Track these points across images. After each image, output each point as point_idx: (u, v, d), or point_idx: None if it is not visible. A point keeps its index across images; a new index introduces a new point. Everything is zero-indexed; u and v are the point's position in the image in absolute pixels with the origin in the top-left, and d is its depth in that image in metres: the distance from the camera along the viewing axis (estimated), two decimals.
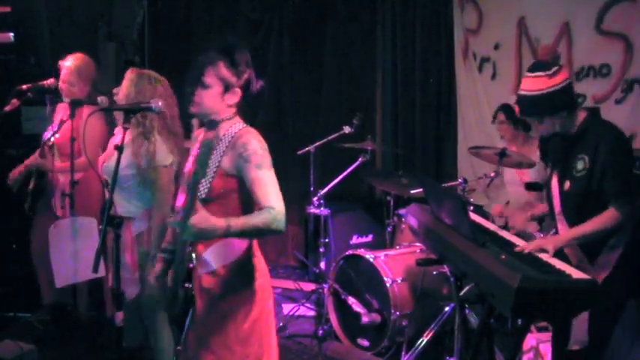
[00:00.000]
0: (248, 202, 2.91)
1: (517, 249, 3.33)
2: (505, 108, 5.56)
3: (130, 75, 3.94)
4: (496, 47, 6.22)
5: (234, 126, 3.00)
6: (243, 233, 2.78)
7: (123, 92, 3.90)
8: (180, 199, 3.23)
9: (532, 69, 3.48)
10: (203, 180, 2.94)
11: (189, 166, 3.14)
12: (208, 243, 2.97)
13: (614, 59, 5.39)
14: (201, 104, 2.98)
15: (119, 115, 3.97)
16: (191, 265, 2.98)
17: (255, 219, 2.75)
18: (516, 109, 3.63)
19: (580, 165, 3.43)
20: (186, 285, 2.96)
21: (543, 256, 3.24)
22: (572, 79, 3.57)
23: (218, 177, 2.91)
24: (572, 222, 3.51)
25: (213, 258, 3.01)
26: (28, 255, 5.23)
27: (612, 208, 3.31)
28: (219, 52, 2.98)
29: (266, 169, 2.86)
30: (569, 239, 3.40)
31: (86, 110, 4.65)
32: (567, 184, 3.51)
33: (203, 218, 2.61)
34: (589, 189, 3.38)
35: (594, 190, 3.36)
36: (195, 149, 3.15)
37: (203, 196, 2.91)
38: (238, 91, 2.99)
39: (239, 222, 2.73)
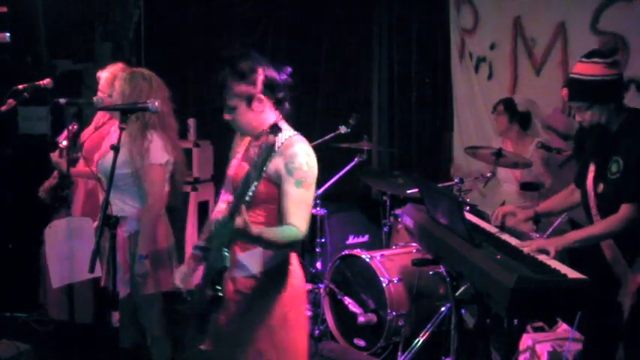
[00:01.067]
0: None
1: (519, 246, 3.32)
2: (507, 101, 5.64)
3: (121, 74, 3.93)
4: (492, 47, 6.22)
5: (283, 132, 2.94)
6: (269, 245, 2.83)
7: (117, 92, 3.89)
8: (223, 199, 3.27)
9: (589, 55, 3.45)
10: (238, 192, 2.92)
11: (233, 169, 3.16)
12: (246, 247, 2.98)
13: None
14: (240, 126, 3.02)
15: (116, 115, 3.97)
16: (226, 267, 2.90)
17: (282, 234, 2.81)
18: (564, 92, 3.57)
19: (614, 167, 3.38)
20: (216, 286, 2.89)
21: (542, 258, 3.23)
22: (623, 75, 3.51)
23: (263, 182, 2.85)
24: None
25: (251, 262, 3.00)
26: (28, 255, 5.23)
27: (625, 206, 3.28)
28: (224, 73, 2.94)
29: (304, 189, 2.86)
30: (574, 241, 3.37)
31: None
32: (601, 186, 3.47)
33: (244, 222, 2.60)
34: (620, 192, 3.33)
35: (627, 191, 3.31)
36: (241, 153, 3.16)
37: (248, 199, 2.89)
38: (262, 97, 2.94)
39: (270, 233, 2.77)
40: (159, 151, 3.85)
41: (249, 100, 2.93)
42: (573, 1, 5.58)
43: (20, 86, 4.78)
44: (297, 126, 3.04)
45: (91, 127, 4.92)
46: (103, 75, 4.74)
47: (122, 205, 3.92)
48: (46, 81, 4.85)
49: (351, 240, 6.62)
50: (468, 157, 6.00)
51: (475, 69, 6.36)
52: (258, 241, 2.75)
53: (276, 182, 2.89)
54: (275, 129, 2.85)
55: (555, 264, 3.17)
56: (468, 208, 4.95)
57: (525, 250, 3.29)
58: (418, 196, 4.93)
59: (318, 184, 5.84)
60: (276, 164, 2.87)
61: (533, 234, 4.77)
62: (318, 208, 5.79)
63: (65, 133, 4.69)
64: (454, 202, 3.64)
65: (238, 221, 2.59)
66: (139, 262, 3.83)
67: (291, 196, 2.84)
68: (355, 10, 7.30)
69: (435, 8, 6.82)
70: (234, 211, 2.61)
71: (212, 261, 2.99)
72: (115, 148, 3.24)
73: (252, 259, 3.00)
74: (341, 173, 5.81)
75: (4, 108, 4.79)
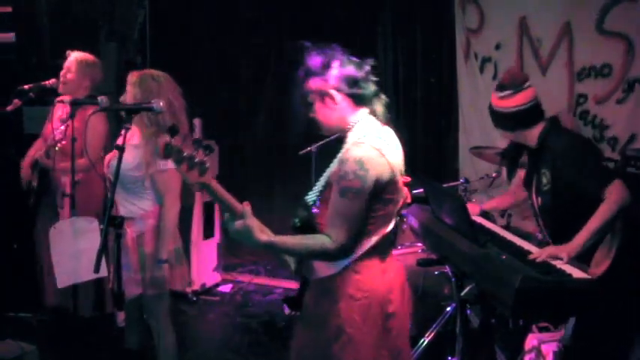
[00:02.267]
0: None
1: (530, 257, 3.30)
2: None
3: (132, 79, 3.94)
4: (497, 47, 6.21)
5: (355, 135, 2.82)
6: (290, 252, 2.79)
7: (129, 95, 3.90)
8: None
9: (500, 88, 3.72)
10: (316, 185, 2.91)
11: None
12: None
13: (615, 59, 5.38)
14: (319, 123, 2.92)
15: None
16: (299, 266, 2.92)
17: (307, 243, 2.71)
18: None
19: (544, 179, 3.59)
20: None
21: (557, 263, 3.22)
22: (538, 97, 3.71)
23: (328, 186, 2.83)
24: (553, 236, 3.65)
25: (317, 266, 2.88)
26: (28, 255, 5.23)
27: (605, 198, 3.33)
28: (299, 72, 2.89)
29: (348, 199, 2.66)
30: (583, 243, 3.33)
31: (88, 110, 4.65)
32: (539, 200, 3.66)
33: (242, 226, 2.56)
34: (555, 204, 3.51)
35: (561, 205, 3.49)
36: None
37: (311, 201, 2.88)
38: (334, 93, 2.81)
39: (287, 241, 2.68)
40: None
41: (322, 96, 2.83)
42: (579, 1, 5.57)
43: (25, 86, 4.79)
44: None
45: (54, 120, 4.88)
46: (71, 56, 4.80)
47: (130, 207, 3.93)
48: (52, 81, 4.87)
49: None
50: (473, 157, 6.00)
51: (480, 69, 6.36)
52: (270, 248, 2.64)
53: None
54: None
55: (560, 264, 3.16)
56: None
57: (539, 258, 3.27)
58: (423, 196, 4.92)
59: None
60: (336, 169, 2.80)
61: (538, 234, 4.76)
62: None
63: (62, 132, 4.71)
64: (459, 202, 3.64)
65: (237, 224, 2.57)
66: (157, 265, 3.84)
67: (333, 203, 2.71)
68: (359, 10, 7.29)
69: (439, 8, 6.81)
70: (231, 213, 2.58)
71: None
72: (120, 149, 3.24)
73: (316, 262, 2.87)
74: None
75: (9, 108, 4.81)
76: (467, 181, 5.48)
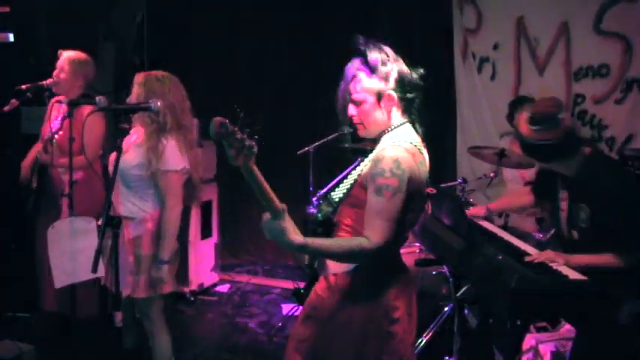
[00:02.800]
0: None
1: (527, 259, 3.30)
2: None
3: (137, 79, 3.96)
4: (495, 47, 6.22)
5: (393, 137, 2.78)
6: (323, 255, 2.73)
7: (134, 96, 3.92)
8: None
9: (532, 122, 3.40)
10: (343, 183, 2.89)
11: None
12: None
13: (613, 59, 5.39)
14: (362, 123, 2.84)
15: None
16: (314, 265, 2.88)
17: (340, 246, 2.62)
18: (514, 146, 3.58)
19: (583, 215, 3.35)
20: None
21: (553, 264, 3.22)
22: (575, 126, 3.42)
23: (356, 186, 2.79)
24: None
25: (330, 263, 2.84)
26: (28, 255, 5.23)
27: (613, 254, 3.23)
28: (357, 64, 2.82)
29: (384, 197, 2.60)
30: (582, 264, 3.27)
31: (85, 109, 4.65)
32: (575, 234, 3.44)
33: (279, 226, 2.50)
34: (596, 241, 3.30)
35: (598, 243, 3.28)
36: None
37: (337, 199, 2.84)
38: (392, 94, 2.78)
39: (322, 244, 2.60)
40: (175, 158, 3.86)
41: (380, 96, 2.77)
42: (576, 1, 5.57)
43: (23, 86, 4.79)
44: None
45: (51, 119, 4.88)
46: (62, 55, 4.81)
47: (131, 207, 3.94)
48: (49, 81, 4.86)
49: None
50: (471, 157, 6.00)
51: (478, 69, 6.36)
52: (302, 249, 2.57)
53: (366, 188, 2.70)
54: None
55: (556, 265, 3.17)
56: (471, 208, 4.94)
57: (536, 261, 3.26)
58: None
59: (321, 184, 5.85)
60: (369, 169, 2.73)
61: (536, 234, 4.77)
62: None
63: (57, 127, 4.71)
64: (456, 202, 3.64)
65: (273, 225, 2.50)
66: (157, 266, 3.85)
67: (369, 203, 2.63)
68: (357, 10, 7.29)
69: (437, 8, 6.81)
70: (272, 213, 2.50)
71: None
72: (119, 149, 3.24)
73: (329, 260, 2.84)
74: (344, 173, 5.80)
75: (7, 108, 4.80)
76: (465, 180, 5.48)
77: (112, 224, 3.45)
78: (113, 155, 4.09)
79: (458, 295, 3.95)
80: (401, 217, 2.65)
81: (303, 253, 2.73)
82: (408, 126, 2.86)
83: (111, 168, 4.05)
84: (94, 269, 3.08)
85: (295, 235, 2.51)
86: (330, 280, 2.85)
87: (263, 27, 7.58)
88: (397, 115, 2.83)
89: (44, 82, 4.85)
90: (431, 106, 7.24)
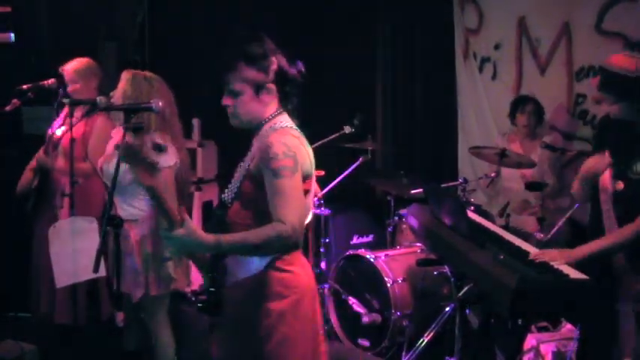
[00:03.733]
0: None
1: (529, 258, 3.29)
2: (537, 102, 5.58)
3: (125, 75, 3.96)
4: (496, 47, 6.21)
5: (273, 126, 2.76)
6: (240, 250, 2.62)
7: (119, 92, 3.91)
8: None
9: (634, 51, 3.39)
10: (232, 183, 2.79)
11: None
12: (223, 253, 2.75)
13: None
14: (237, 114, 2.79)
15: (118, 116, 3.97)
16: (214, 274, 2.78)
17: (256, 234, 2.54)
18: (594, 81, 3.49)
19: (638, 167, 3.31)
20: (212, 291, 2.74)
21: (555, 263, 3.21)
22: None
23: (247, 179, 2.73)
24: (622, 224, 3.35)
25: (235, 268, 2.77)
26: (28, 255, 5.23)
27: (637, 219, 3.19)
28: (234, 54, 2.76)
29: (285, 177, 2.57)
30: (587, 254, 3.28)
31: (100, 117, 4.67)
32: (620, 184, 3.38)
33: (188, 232, 2.48)
34: None
35: None
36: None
37: (230, 199, 2.76)
38: (272, 86, 2.77)
39: (235, 238, 2.56)
40: (170, 155, 3.85)
41: (258, 87, 2.76)
42: (578, 1, 5.57)
43: (24, 86, 4.79)
44: (301, 126, 2.94)
45: (61, 124, 4.89)
46: (66, 67, 4.80)
47: (130, 210, 3.93)
48: (50, 81, 4.86)
49: (355, 240, 6.62)
50: (472, 157, 5.99)
51: (479, 69, 6.36)
52: (219, 249, 2.56)
53: (259, 179, 2.66)
54: None
55: (557, 264, 3.17)
56: (472, 208, 4.94)
57: (537, 260, 3.25)
58: (422, 196, 4.93)
59: (322, 184, 5.87)
60: (257, 159, 2.69)
61: (537, 234, 4.77)
62: (322, 208, 5.80)
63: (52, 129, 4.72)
64: (458, 202, 3.64)
65: (180, 232, 2.47)
66: (161, 264, 3.85)
67: (271, 189, 2.59)
68: (358, 9, 7.29)
69: (439, 8, 6.81)
70: (169, 223, 2.47)
71: (205, 268, 2.82)
72: (119, 148, 3.24)
73: (234, 264, 2.77)
74: (345, 173, 5.82)
75: (8, 108, 4.80)
76: (466, 181, 5.48)
77: (113, 224, 3.45)
78: (102, 158, 4.08)
79: (459, 295, 3.96)
80: (303, 197, 2.66)
81: (218, 252, 2.65)
82: (285, 114, 2.85)
83: (101, 173, 4.05)
84: (96, 269, 3.07)
85: (206, 235, 2.51)
86: (241, 287, 2.78)
87: (264, 26, 7.58)
88: (274, 106, 2.82)
89: (45, 83, 4.85)
90: (432, 106, 7.29)
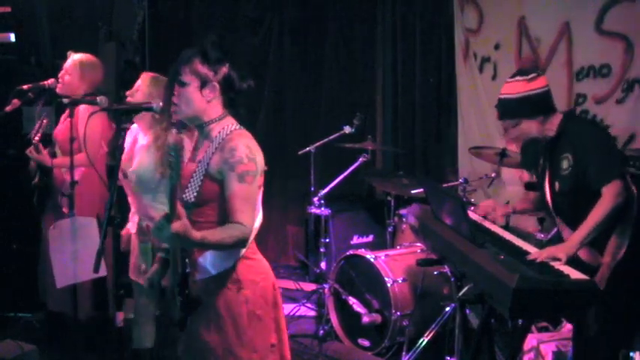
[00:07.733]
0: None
1: (529, 257, 3.31)
2: None
3: (146, 77, 4.00)
4: (496, 47, 6.21)
5: (226, 127, 2.91)
6: (215, 247, 2.81)
7: (143, 92, 3.94)
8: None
9: (512, 75, 3.64)
10: (190, 183, 2.88)
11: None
12: (202, 249, 2.90)
13: (614, 59, 5.38)
14: (180, 105, 2.90)
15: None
16: (187, 271, 2.89)
17: (227, 233, 2.76)
18: (497, 115, 3.72)
19: (565, 164, 3.52)
20: (185, 291, 2.88)
21: (555, 264, 3.22)
22: (549, 87, 3.63)
23: (207, 181, 2.85)
24: (570, 222, 3.56)
25: (209, 264, 2.92)
26: (28, 255, 5.23)
27: (604, 192, 3.34)
28: (194, 51, 2.95)
29: (247, 183, 2.80)
30: (580, 241, 3.35)
31: (83, 109, 4.64)
32: (557, 185, 3.57)
33: (183, 226, 2.58)
34: (577, 185, 3.44)
35: (583, 186, 3.41)
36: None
37: (192, 200, 2.87)
38: (216, 85, 2.90)
39: (214, 235, 2.74)
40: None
41: (204, 82, 2.89)
42: (578, 1, 5.57)
43: (24, 86, 4.79)
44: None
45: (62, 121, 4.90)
46: (72, 57, 4.80)
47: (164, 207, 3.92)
48: (50, 81, 4.85)
49: (355, 240, 6.62)
50: (472, 157, 6.00)
51: (479, 69, 6.36)
52: (202, 245, 2.76)
53: (220, 179, 2.83)
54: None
55: (558, 264, 3.16)
56: (472, 208, 4.94)
57: (537, 259, 3.27)
58: (422, 196, 4.93)
59: (323, 184, 5.88)
60: (217, 161, 2.83)
61: (537, 234, 4.77)
62: (322, 208, 5.80)
63: (36, 128, 4.71)
64: (458, 202, 3.64)
65: (176, 226, 2.56)
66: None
67: (233, 192, 2.78)
68: (359, 10, 7.30)
69: (439, 8, 6.82)
70: (170, 215, 2.56)
71: (173, 266, 2.97)
72: (120, 149, 3.25)
73: (208, 261, 2.92)
74: (345, 173, 5.82)
75: (8, 108, 4.79)
76: (466, 181, 5.48)
77: (113, 224, 3.45)
78: (124, 159, 4.09)
79: (459, 295, 3.95)
80: (259, 200, 2.93)
81: (200, 247, 2.85)
82: (232, 118, 2.99)
83: (120, 175, 4.06)
84: (96, 269, 3.08)
85: (195, 231, 2.65)
86: (213, 281, 2.94)
87: (264, 26, 7.59)
88: (218, 108, 2.95)
89: (45, 83, 4.84)
90: (432, 106, 7.31)
